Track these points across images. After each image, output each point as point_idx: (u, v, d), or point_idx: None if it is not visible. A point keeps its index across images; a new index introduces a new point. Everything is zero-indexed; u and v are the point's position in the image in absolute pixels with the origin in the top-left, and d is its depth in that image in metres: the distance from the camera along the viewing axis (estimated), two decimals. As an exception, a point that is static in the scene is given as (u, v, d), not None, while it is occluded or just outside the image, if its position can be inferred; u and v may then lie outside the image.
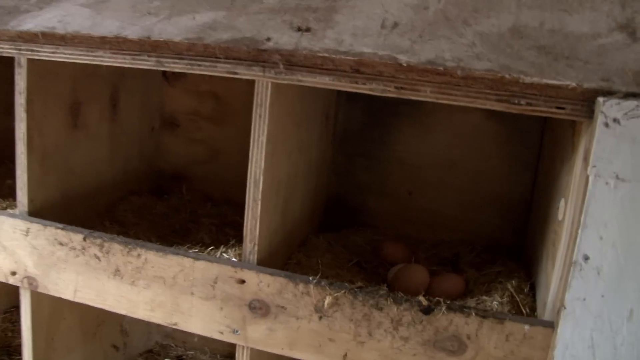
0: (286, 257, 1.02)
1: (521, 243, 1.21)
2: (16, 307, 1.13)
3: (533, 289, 0.99)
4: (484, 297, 0.95)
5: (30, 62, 0.95)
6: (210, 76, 0.88)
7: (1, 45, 0.95)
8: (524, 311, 0.90)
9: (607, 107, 0.69)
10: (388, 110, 1.24)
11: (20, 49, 0.94)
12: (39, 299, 1.06)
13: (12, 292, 1.13)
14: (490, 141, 1.21)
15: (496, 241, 1.24)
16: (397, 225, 1.27)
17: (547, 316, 0.83)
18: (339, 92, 1.23)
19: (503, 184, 1.22)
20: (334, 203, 1.31)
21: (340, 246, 1.12)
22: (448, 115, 1.21)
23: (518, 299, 0.94)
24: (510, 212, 1.23)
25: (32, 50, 0.93)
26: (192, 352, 1.48)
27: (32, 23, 0.92)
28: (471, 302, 0.94)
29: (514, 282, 0.99)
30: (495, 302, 0.93)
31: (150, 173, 1.42)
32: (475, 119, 1.20)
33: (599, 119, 0.69)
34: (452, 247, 1.21)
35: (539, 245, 1.02)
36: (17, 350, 1.38)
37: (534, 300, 0.95)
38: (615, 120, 0.69)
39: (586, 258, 0.73)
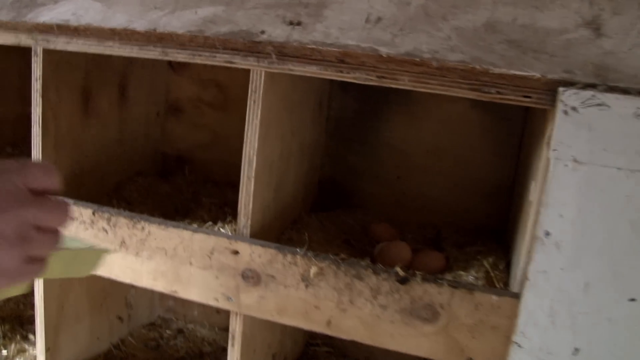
0: (279, 233, 1.10)
1: (504, 225, 1.29)
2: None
3: (509, 267, 1.07)
4: (461, 272, 1.03)
5: (46, 51, 1.03)
6: (213, 65, 0.95)
7: (19, 36, 1.03)
8: (497, 285, 0.98)
9: (566, 97, 0.76)
10: (379, 98, 1.31)
11: (36, 40, 1.02)
12: (51, 269, 1.14)
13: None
14: (476, 129, 1.28)
15: (481, 223, 1.31)
16: (386, 207, 1.35)
17: (515, 288, 0.90)
18: (332, 81, 1.30)
19: (487, 170, 1.29)
20: (327, 185, 1.38)
21: (331, 225, 1.20)
22: (435, 104, 1.28)
23: (493, 275, 1.01)
24: (494, 196, 1.30)
25: (48, 41, 1.01)
26: (192, 325, 1.56)
27: (47, 16, 1.00)
28: (449, 277, 1.02)
29: (490, 259, 1.06)
30: (470, 277, 1.01)
31: (156, 156, 1.51)
32: (461, 108, 1.27)
33: (559, 107, 0.76)
34: (438, 228, 1.28)
35: (516, 226, 1.09)
36: (29, 321, 1.48)
37: (509, 276, 1.02)
38: (573, 108, 0.76)
39: (547, 234, 0.81)
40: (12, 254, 0.50)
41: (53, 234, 0.54)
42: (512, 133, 1.26)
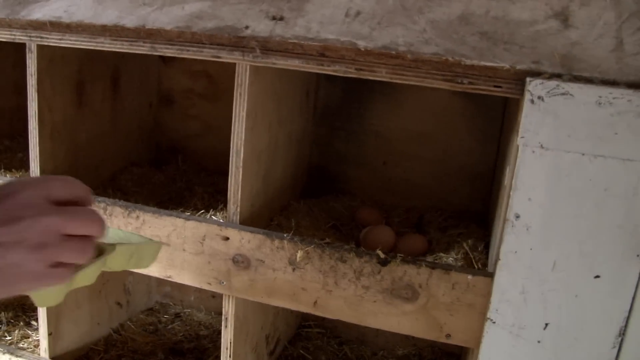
0: (268, 219, 1.15)
1: (486, 209, 1.33)
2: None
3: (488, 248, 1.12)
4: (442, 254, 1.08)
5: (40, 47, 1.07)
6: (202, 57, 1.00)
7: (13, 33, 1.07)
8: (475, 266, 1.02)
9: (532, 86, 0.80)
10: (364, 87, 1.35)
11: (30, 36, 1.06)
12: (50, 257, 1.19)
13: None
14: (458, 116, 1.32)
15: (465, 208, 1.36)
16: (373, 192, 1.40)
17: (490, 268, 0.95)
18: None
19: (470, 155, 1.34)
20: (315, 172, 1.43)
21: (319, 211, 1.25)
22: (418, 92, 1.32)
23: (472, 256, 1.06)
24: (477, 181, 1.34)
25: (41, 37, 1.05)
26: (189, 310, 1.62)
27: (40, 13, 1.04)
28: (430, 259, 1.07)
29: (470, 241, 1.11)
30: (451, 258, 1.06)
31: (149, 146, 1.55)
32: (443, 96, 1.31)
33: (526, 97, 0.81)
34: (423, 212, 1.33)
35: (496, 209, 1.14)
36: (32, 308, 1.53)
37: (487, 257, 1.07)
38: (539, 97, 0.80)
39: (517, 216, 0.85)
40: (34, 258, 0.53)
41: (82, 241, 0.57)
42: (492, 120, 1.30)
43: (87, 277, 0.66)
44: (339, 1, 0.96)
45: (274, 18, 0.95)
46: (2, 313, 1.49)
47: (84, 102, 1.25)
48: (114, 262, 0.72)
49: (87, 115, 1.27)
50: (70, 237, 0.56)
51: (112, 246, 0.71)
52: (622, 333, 0.85)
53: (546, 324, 0.88)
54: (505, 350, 0.90)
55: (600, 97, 0.78)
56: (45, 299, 0.67)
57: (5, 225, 0.52)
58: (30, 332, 1.43)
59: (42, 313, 1.24)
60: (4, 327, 1.45)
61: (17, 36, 1.07)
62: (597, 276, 0.84)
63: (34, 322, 1.47)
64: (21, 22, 1.05)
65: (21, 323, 1.47)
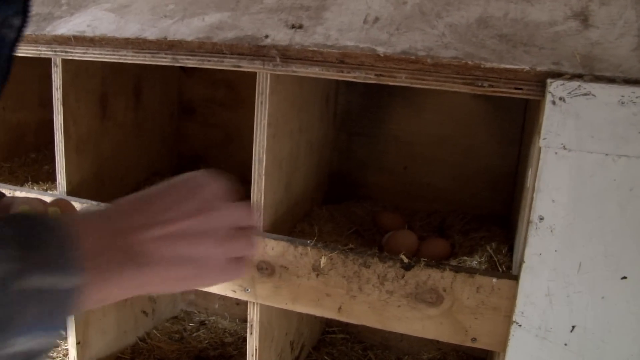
0: (292, 226, 1.16)
1: (508, 211, 1.33)
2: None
3: (512, 251, 1.11)
4: (465, 258, 1.07)
5: (64, 61, 1.10)
6: (222, 67, 1.01)
7: (39, 48, 1.09)
8: (500, 269, 1.02)
9: (554, 88, 0.80)
10: (384, 92, 1.36)
11: (55, 51, 1.08)
12: (78, 267, 1.21)
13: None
14: (478, 118, 1.32)
15: (487, 211, 1.35)
16: (394, 197, 1.40)
17: (514, 271, 0.95)
18: (338, 77, 1.35)
19: (491, 158, 1.33)
20: (337, 178, 1.44)
21: (341, 216, 1.25)
22: (438, 96, 1.32)
23: (496, 259, 1.05)
24: (499, 184, 1.34)
25: (66, 52, 1.08)
26: (214, 318, 1.63)
27: (65, 28, 1.07)
28: (454, 262, 1.06)
29: (493, 244, 1.10)
30: (474, 262, 1.06)
31: (172, 155, 1.57)
32: (463, 98, 1.31)
33: (548, 98, 0.81)
34: (445, 216, 1.33)
35: (518, 212, 1.13)
36: (60, 317, 1.55)
37: (511, 260, 1.07)
38: (561, 98, 0.80)
39: (541, 218, 0.85)
40: (220, 251, 0.52)
41: (249, 236, 0.55)
42: (513, 122, 1.30)
43: None
44: (357, 8, 0.97)
45: (293, 26, 0.96)
46: (31, 323, 1.52)
47: (107, 114, 1.28)
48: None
49: (110, 127, 1.29)
50: (243, 230, 0.54)
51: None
52: (651, 335, 0.84)
53: (573, 327, 0.87)
54: (532, 353, 0.89)
55: (622, 96, 0.77)
56: None
57: (200, 215, 0.51)
58: (58, 341, 1.45)
59: (70, 322, 1.26)
60: (33, 337, 1.47)
61: (43, 51, 1.09)
62: (624, 277, 0.83)
63: (61, 332, 1.49)
64: (46, 38, 1.07)
65: (50, 332, 1.49)
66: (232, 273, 0.54)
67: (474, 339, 0.94)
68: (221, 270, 0.53)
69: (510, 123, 1.30)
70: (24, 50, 1.12)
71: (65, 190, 1.17)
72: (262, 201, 1.01)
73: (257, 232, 0.58)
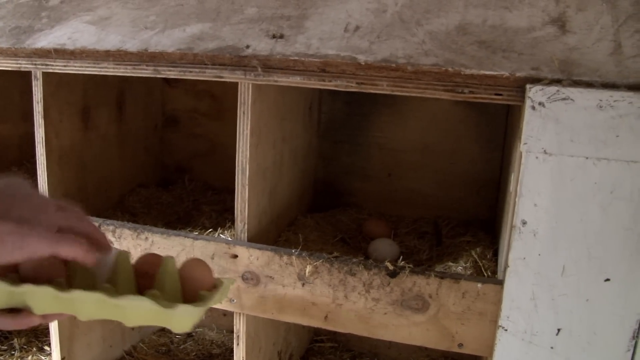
0: (276, 235, 1.15)
1: (493, 216, 1.33)
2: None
3: (497, 255, 1.11)
4: (450, 263, 1.08)
5: (45, 74, 1.09)
6: (205, 77, 1.01)
7: (19, 62, 1.08)
8: (485, 274, 1.03)
9: (533, 93, 0.81)
10: (367, 100, 1.36)
11: (35, 64, 1.08)
12: (62, 282, 1.20)
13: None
14: (461, 124, 1.33)
15: (472, 215, 1.36)
16: (379, 204, 1.40)
17: (499, 276, 0.95)
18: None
19: (475, 163, 1.34)
20: (321, 186, 1.44)
21: (326, 224, 1.25)
22: (421, 102, 1.33)
23: (481, 264, 1.06)
24: (483, 189, 1.35)
25: (46, 65, 1.07)
26: (201, 329, 1.62)
27: (45, 41, 1.06)
28: (439, 268, 1.07)
29: (478, 249, 1.11)
30: (460, 267, 1.06)
31: (156, 167, 1.56)
32: (446, 105, 1.32)
33: (527, 103, 0.81)
34: (431, 222, 1.33)
35: (502, 216, 1.14)
36: (44, 333, 1.54)
37: (496, 265, 1.07)
38: (540, 103, 0.81)
39: (524, 223, 0.85)
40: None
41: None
42: (496, 127, 1.31)
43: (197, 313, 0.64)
44: (338, 17, 0.97)
45: (274, 36, 0.96)
46: (15, 339, 1.50)
47: (90, 127, 1.27)
48: (223, 295, 0.70)
49: (93, 140, 1.28)
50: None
51: (221, 281, 0.70)
52: (636, 335, 0.85)
53: (558, 330, 0.87)
54: (518, 357, 0.90)
55: (600, 100, 0.78)
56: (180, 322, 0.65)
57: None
58: (43, 358, 1.44)
59: (54, 338, 1.24)
60: (17, 354, 1.45)
61: (23, 64, 1.09)
62: (607, 279, 0.83)
63: (46, 347, 1.47)
64: (26, 51, 1.07)
65: (34, 349, 1.48)
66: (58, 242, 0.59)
67: (460, 345, 0.94)
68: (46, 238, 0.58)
69: (492, 128, 1.31)
70: (3, 64, 1.11)
71: (48, 204, 1.16)
72: (247, 211, 1.01)
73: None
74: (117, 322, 0.67)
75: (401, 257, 1.00)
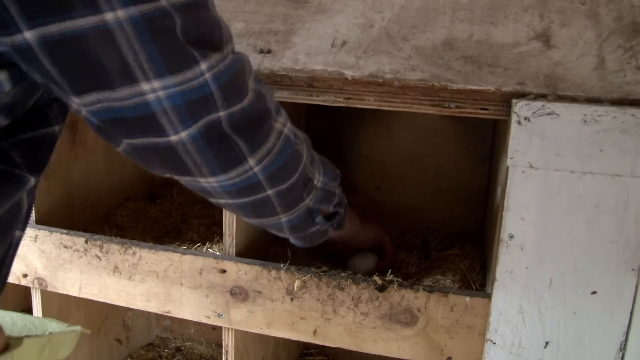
0: (265, 249, 1.15)
1: (481, 229, 1.34)
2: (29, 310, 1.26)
3: (485, 268, 1.12)
4: (439, 277, 1.08)
5: (31, 89, 1.08)
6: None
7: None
8: (473, 287, 1.03)
9: (519, 108, 0.82)
10: (354, 113, 1.36)
11: (22, 79, 1.07)
12: (48, 297, 1.19)
13: (27, 294, 1.26)
14: (448, 137, 1.33)
15: (460, 228, 1.36)
16: (367, 217, 1.40)
17: (487, 289, 0.96)
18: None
19: (462, 176, 1.34)
20: (310, 200, 1.43)
21: (315, 238, 1.25)
22: (409, 116, 1.33)
23: (469, 277, 1.06)
24: (471, 201, 1.35)
25: (33, 79, 1.06)
26: (190, 343, 1.61)
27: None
28: (427, 281, 1.07)
29: (466, 262, 1.11)
30: (448, 280, 1.06)
31: (144, 180, 1.55)
32: (433, 118, 1.32)
33: (513, 118, 0.82)
34: (419, 235, 1.33)
35: (490, 229, 1.14)
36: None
37: (484, 278, 1.07)
38: (526, 118, 0.82)
39: (511, 236, 0.86)
40: None
41: None
42: (483, 140, 1.31)
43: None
44: (325, 32, 0.98)
45: (261, 51, 0.96)
46: None
47: (77, 141, 1.26)
48: (22, 358, 0.65)
49: (80, 154, 1.28)
50: None
51: (19, 340, 0.65)
52: (623, 348, 0.85)
53: (546, 343, 0.88)
54: (507, 370, 0.90)
55: (585, 115, 0.79)
56: None
57: None
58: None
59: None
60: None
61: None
62: (594, 292, 0.84)
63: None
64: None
65: (21, 365, 1.46)
66: None
67: (449, 358, 0.94)
68: None
69: (479, 141, 1.32)
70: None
71: (35, 218, 1.15)
72: (235, 225, 1.00)
73: None
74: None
75: (390, 271, 1.00)
